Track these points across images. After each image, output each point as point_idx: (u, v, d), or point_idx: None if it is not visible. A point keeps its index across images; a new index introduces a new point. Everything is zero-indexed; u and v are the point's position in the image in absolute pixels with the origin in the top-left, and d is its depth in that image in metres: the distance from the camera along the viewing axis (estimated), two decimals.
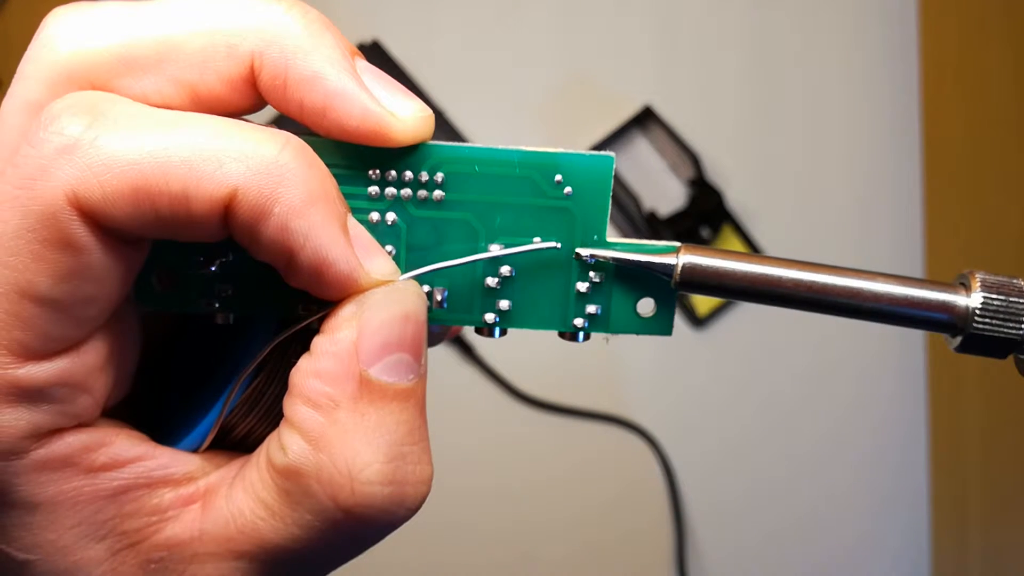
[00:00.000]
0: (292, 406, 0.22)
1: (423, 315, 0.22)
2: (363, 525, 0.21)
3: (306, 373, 0.22)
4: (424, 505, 0.22)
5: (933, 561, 0.82)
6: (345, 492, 0.21)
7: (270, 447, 0.22)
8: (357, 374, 0.21)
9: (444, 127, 0.82)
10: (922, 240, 0.84)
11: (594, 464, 0.83)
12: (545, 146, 0.24)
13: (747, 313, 0.84)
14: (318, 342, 0.22)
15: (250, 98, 0.22)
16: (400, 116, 0.22)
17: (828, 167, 0.85)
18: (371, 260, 0.22)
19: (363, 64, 0.22)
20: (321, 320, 0.22)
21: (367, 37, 0.82)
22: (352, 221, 0.22)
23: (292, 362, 0.22)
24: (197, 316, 0.24)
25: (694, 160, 0.82)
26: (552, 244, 0.24)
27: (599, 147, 0.83)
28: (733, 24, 0.86)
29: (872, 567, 0.83)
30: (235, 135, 0.20)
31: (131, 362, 0.23)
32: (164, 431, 0.24)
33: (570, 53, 0.85)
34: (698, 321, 0.84)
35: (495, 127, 0.84)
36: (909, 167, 0.84)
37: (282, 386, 0.24)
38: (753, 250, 0.83)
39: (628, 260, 0.24)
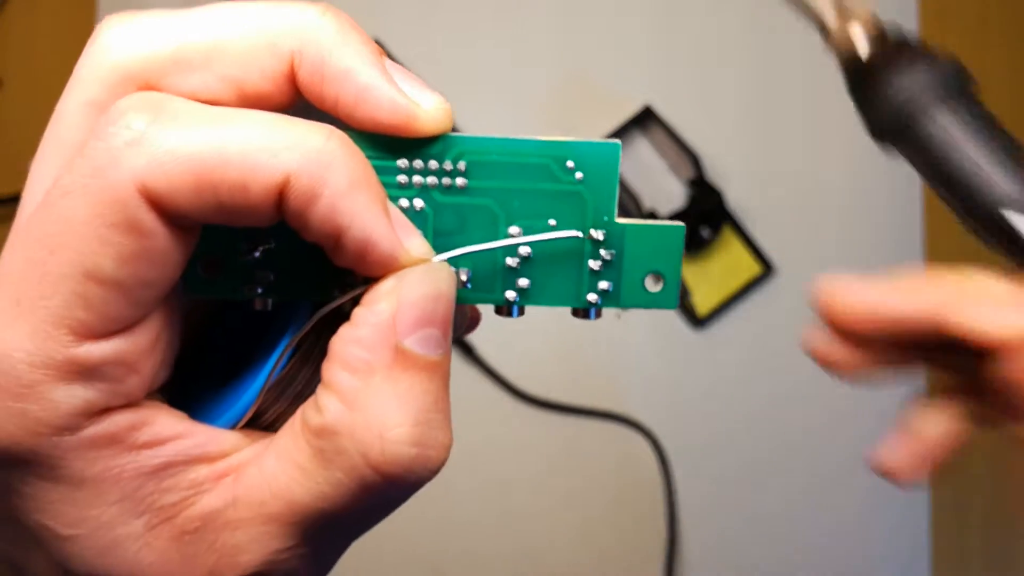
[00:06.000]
0: (331, 370, 0.23)
1: (454, 295, 0.24)
2: (389, 484, 0.23)
3: (346, 340, 0.23)
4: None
5: (934, 563, 0.82)
6: (375, 450, 0.22)
7: (305, 411, 0.23)
8: (393, 344, 0.23)
9: None
10: (922, 240, 0.84)
11: (594, 461, 0.83)
12: (557, 136, 0.26)
13: (748, 313, 0.84)
14: (359, 312, 0.24)
15: (289, 94, 0.24)
16: (424, 107, 0.24)
17: (828, 167, 0.85)
18: (409, 240, 0.24)
19: (389, 62, 0.24)
20: (356, 301, 0.24)
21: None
22: (390, 204, 0.24)
23: (324, 348, 0.24)
24: (238, 302, 0.26)
25: (694, 160, 0.83)
26: (574, 233, 0.26)
27: None
28: (733, 24, 0.86)
29: (873, 569, 0.84)
30: (285, 127, 0.22)
31: (175, 346, 0.25)
32: (197, 412, 0.25)
33: (570, 53, 0.86)
34: (698, 321, 0.84)
35: (495, 127, 0.84)
36: (909, 167, 0.84)
37: (313, 371, 0.26)
38: (754, 250, 0.84)
39: None
